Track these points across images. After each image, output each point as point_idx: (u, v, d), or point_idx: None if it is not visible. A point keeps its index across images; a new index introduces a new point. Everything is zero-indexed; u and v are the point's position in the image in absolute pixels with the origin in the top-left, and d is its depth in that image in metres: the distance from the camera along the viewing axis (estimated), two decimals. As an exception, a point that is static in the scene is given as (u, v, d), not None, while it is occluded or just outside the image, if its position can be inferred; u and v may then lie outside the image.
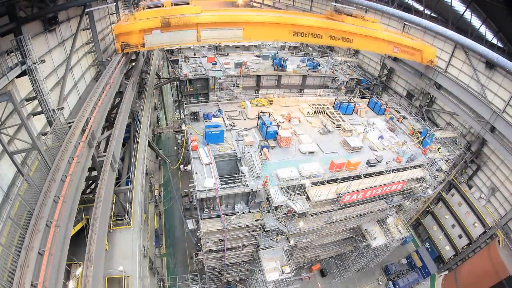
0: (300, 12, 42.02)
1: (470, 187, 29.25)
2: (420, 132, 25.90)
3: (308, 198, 19.47)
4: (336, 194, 19.64)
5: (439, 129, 30.35)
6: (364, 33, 27.97)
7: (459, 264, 28.78)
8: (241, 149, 21.31)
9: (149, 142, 23.67)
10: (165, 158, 28.26)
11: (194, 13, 23.32)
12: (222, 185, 18.42)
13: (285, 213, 19.03)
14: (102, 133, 18.25)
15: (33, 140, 12.25)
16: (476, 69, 26.61)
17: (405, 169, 22.05)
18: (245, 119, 26.06)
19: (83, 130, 14.27)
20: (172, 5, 23.67)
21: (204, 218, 18.97)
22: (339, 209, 21.29)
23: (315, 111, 27.58)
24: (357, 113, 29.12)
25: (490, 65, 24.91)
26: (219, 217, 18.89)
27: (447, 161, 24.32)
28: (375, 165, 21.55)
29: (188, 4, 24.05)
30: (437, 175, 23.24)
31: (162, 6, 23.59)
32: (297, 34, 26.63)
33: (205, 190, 17.78)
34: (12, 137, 13.48)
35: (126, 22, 23.00)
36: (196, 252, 23.76)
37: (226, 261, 22.31)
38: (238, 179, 18.68)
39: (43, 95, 14.06)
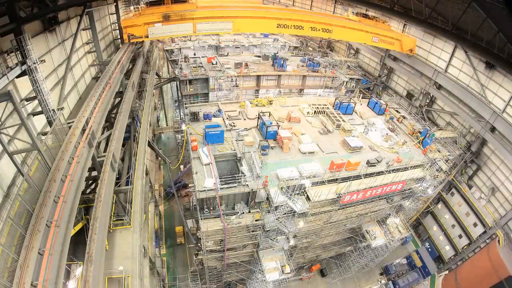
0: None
1: (470, 187, 29.24)
2: (420, 132, 25.90)
3: (308, 198, 19.47)
4: (336, 194, 19.64)
5: (439, 129, 30.35)
6: (343, 24, 30.64)
7: (459, 264, 28.78)
8: (241, 149, 21.30)
9: (149, 142, 23.66)
10: (165, 158, 28.26)
11: (191, 9, 26.88)
12: (222, 185, 18.42)
13: (285, 213, 19.02)
14: (102, 133, 18.24)
15: (33, 140, 12.25)
16: (476, 69, 26.61)
17: (405, 169, 22.05)
18: (245, 119, 26.05)
19: (83, 130, 14.26)
20: (171, 2, 27.29)
21: (204, 218, 18.96)
22: (339, 209, 21.28)
23: (315, 111, 27.58)
24: (357, 113, 29.13)
25: (490, 65, 24.91)
26: (219, 217, 18.89)
27: (447, 161, 24.32)
28: (375, 165, 21.55)
29: (186, 1, 27.58)
30: (437, 175, 23.23)
31: (163, 3, 27.37)
32: (281, 26, 29.55)
33: (205, 190, 17.78)
34: (12, 137, 13.48)
35: (133, 17, 26.65)
36: (196, 252, 23.76)
37: (226, 261, 22.31)
38: (238, 179, 18.68)
39: (43, 95, 14.06)
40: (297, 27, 29.89)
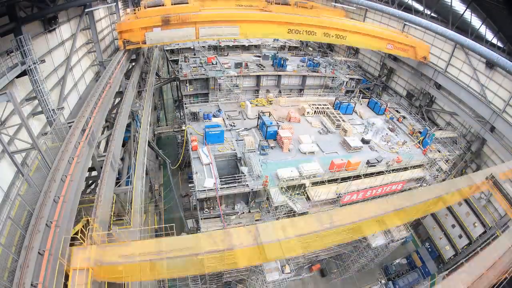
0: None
1: (470, 187, 29.21)
2: (420, 132, 25.89)
3: (308, 198, 19.47)
4: (336, 194, 19.64)
5: (439, 129, 30.33)
6: (357, 30, 29.07)
7: (459, 264, 28.74)
8: (241, 149, 21.30)
9: (149, 142, 23.67)
10: (165, 158, 28.27)
11: (193, 11, 24.37)
12: (222, 185, 18.42)
13: (285, 213, 19.03)
14: (102, 133, 18.27)
15: (33, 140, 12.25)
16: (476, 69, 26.60)
17: (405, 169, 22.05)
18: (245, 119, 26.07)
19: (83, 130, 14.28)
20: (172, 4, 24.78)
21: (204, 218, 18.97)
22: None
23: (315, 111, 27.58)
24: (357, 113, 29.13)
25: (490, 65, 24.91)
26: (219, 217, 18.89)
27: (447, 161, 24.31)
28: (375, 165, 21.55)
29: (187, 3, 25.11)
30: (437, 175, 23.23)
31: (163, 5, 24.67)
32: (292, 32, 27.81)
33: (205, 190, 17.78)
34: (12, 137, 13.49)
35: (128, 20, 24.00)
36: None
37: (226, 261, 22.29)
38: (238, 179, 18.68)
39: (43, 95, 14.08)
40: (309, 32, 28.26)
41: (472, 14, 24.96)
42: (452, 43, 28.25)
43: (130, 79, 24.19)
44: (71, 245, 9.94)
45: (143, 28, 23.62)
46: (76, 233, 11.81)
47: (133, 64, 28.61)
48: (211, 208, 19.10)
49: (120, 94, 22.73)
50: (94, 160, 15.40)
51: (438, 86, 30.67)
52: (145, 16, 23.94)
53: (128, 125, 22.38)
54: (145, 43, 24.33)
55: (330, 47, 49.86)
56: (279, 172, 19.47)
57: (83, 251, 9.13)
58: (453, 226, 29.93)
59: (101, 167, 14.93)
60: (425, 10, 29.89)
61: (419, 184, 23.49)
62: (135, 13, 24.79)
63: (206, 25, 25.05)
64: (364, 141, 23.86)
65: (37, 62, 13.64)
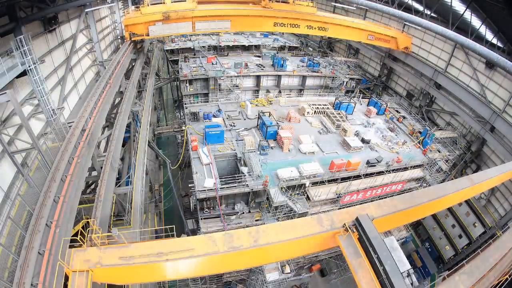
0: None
1: (470, 187, 29.20)
2: (420, 132, 25.89)
3: (308, 198, 19.46)
4: (336, 194, 19.64)
5: (439, 129, 30.34)
6: (338, 23, 31.96)
7: (459, 264, 28.74)
8: (241, 149, 21.30)
9: (149, 142, 23.66)
10: (165, 158, 28.26)
11: (190, 8, 27.74)
12: (222, 185, 18.42)
13: (285, 213, 19.03)
14: (102, 133, 18.27)
15: (33, 140, 12.26)
16: (476, 69, 26.61)
17: (405, 169, 22.05)
18: (245, 119, 26.06)
19: (83, 130, 14.28)
20: (172, 2, 28.07)
21: (204, 218, 18.96)
22: (339, 209, 21.26)
23: (315, 111, 27.58)
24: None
25: (490, 65, 24.92)
26: (219, 217, 18.89)
27: (447, 161, 24.31)
28: (375, 165, 21.54)
29: (185, 1, 28.24)
30: (437, 175, 23.24)
31: (163, 3, 27.96)
32: (278, 25, 30.75)
33: (205, 190, 17.78)
34: (12, 137, 13.50)
35: (133, 16, 27.43)
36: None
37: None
38: (238, 179, 18.68)
39: (43, 95, 14.09)
40: (293, 25, 31.05)
41: (472, 14, 24.96)
42: (452, 43, 28.27)
43: (130, 79, 24.20)
44: (71, 246, 9.93)
45: (147, 22, 26.84)
46: (76, 234, 11.82)
47: (133, 64, 28.64)
48: (211, 208, 19.09)
49: (120, 94, 22.74)
50: (94, 160, 15.40)
51: (438, 86, 30.69)
52: (148, 12, 27.24)
53: (128, 125, 22.37)
54: (148, 35, 27.62)
55: (330, 47, 49.87)
56: (279, 172, 19.45)
57: (82, 253, 9.11)
58: (453, 226, 29.95)
59: (101, 167, 14.93)
60: (425, 10, 29.90)
61: (419, 184, 23.51)
62: (139, 10, 27.73)
63: (202, 20, 28.32)
64: (364, 141, 23.88)
65: (37, 62, 13.64)
